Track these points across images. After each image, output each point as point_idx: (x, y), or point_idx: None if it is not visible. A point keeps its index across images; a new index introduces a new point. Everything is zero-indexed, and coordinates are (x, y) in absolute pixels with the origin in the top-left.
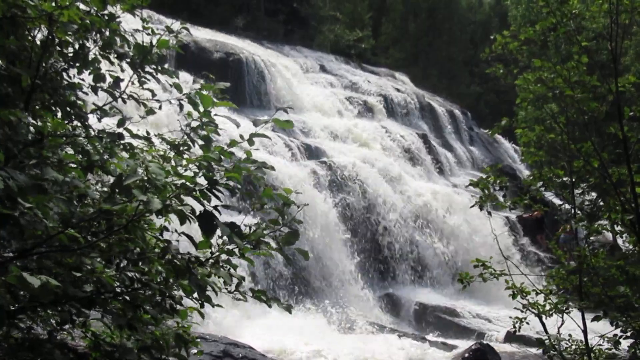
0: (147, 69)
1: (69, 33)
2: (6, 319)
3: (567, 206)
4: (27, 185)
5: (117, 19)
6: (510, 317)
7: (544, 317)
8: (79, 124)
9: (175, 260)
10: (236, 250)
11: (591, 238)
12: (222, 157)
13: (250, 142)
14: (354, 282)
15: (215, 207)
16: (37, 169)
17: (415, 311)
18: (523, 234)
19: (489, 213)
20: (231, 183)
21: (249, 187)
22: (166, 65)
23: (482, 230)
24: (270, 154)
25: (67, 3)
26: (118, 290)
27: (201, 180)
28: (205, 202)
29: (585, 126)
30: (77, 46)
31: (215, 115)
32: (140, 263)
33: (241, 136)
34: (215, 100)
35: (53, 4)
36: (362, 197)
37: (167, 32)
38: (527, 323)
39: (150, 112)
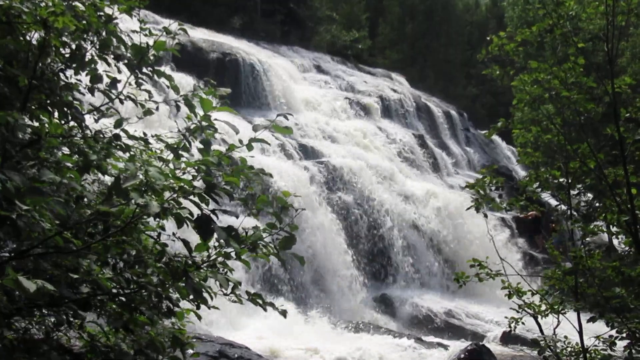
0: (144, 70)
1: (66, 34)
2: (3, 321)
3: (563, 207)
4: (25, 186)
5: (115, 20)
6: (506, 317)
7: (539, 317)
8: (76, 125)
9: (172, 263)
10: (233, 254)
11: (587, 239)
12: (221, 161)
13: (249, 147)
14: (350, 282)
15: (212, 211)
16: (34, 170)
17: (411, 312)
18: (519, 234)
19: (485, 215)
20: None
21: (247, 193)
22: (163, 66)
23: (478, 231)
24: (265, 154)
25: (62, 10)
26: (114, 292)
27: (199, 184)
28: (203, 205)
29: (582, 127)
30: (74, 47)
31: (215, 120)
32: (136, 266)
33: (240, 141)
34: (215, 104)
35: (50, 3)
36: (358, 198)
37: (165, 32)
38: (523, 323)
39: (147, 112)
